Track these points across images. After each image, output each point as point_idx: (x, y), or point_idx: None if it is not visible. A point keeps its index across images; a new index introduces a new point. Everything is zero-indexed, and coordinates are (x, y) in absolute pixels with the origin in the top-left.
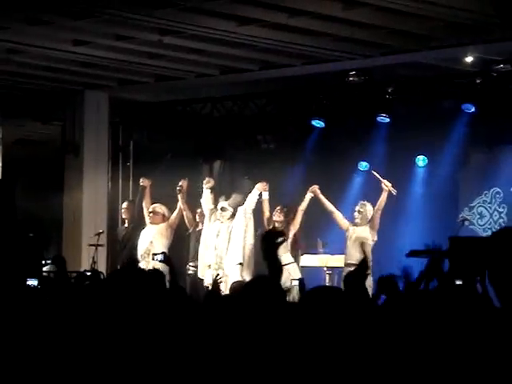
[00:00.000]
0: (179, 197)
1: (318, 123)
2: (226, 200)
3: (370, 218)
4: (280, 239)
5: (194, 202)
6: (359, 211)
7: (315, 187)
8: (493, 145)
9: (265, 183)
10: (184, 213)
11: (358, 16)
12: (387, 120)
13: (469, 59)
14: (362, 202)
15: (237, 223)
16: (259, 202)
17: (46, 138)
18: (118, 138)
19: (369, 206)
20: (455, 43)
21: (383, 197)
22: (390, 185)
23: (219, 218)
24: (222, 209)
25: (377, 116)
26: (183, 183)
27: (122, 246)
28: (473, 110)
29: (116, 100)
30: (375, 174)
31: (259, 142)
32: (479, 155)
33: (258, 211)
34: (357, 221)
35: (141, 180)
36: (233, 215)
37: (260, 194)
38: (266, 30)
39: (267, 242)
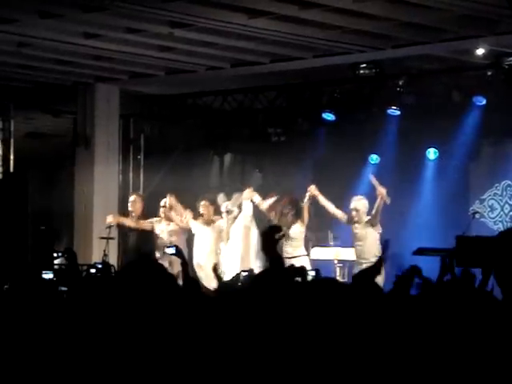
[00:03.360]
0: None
1: (328, 116)
2: (228, 201)
3: (366, 212)
4: (278, 235)
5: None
6: (355, 209)
7: (312, 188)
8: (504, 137)
9: (250, 190)
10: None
11: (368, 8)
12: (398, 113)
13: (480, 51)
14: (355, 197)
15: (239, 230)
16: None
17: (57, 131)
18: (128, 130)
19: (363, 201)
20: (466, 35)
21: (378, 203)
22: (384, 192)
23: (225, 221)
24: (228, 212)
25: (387, 109)
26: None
27: (130, 238)
28: (484, 102)
29: (127, 93)
30: (373, 179)
31: (270, 135)
32: (490, 148)
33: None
34: (355, 219)
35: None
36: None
37: (252, 200)
38: (277, 23)
39: (266, 238)
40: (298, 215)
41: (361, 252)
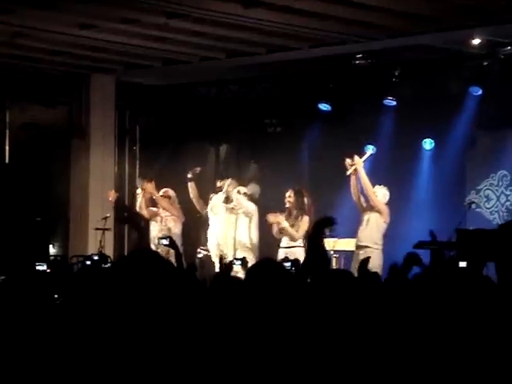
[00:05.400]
0: (192, 184)
1: (324, 107)
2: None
3: (385, 202)
4: (327, 230)
5: (202, 186)
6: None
7: (358, 159)
8: (500, 127)
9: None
10: (194, 200)
11: None
12: (394, 103)
13: (476, 41)
14: (378, 185)
15: (241, 219)
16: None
17: (53, 122)
18: (124, 121)
19: (384, 190)
20: (462, 25)
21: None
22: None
23: (234, 202)
24: (239, 192)
25: (383, 99)
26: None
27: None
28: (480, 92)
29: (122, 84)
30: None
31: (266, 126)
32: (486, 138)
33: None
34: (370, 204)
35: (142, 185)
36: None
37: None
38: (273, 13)
39: (316, 228)
40: (302, 209)
41: (361, 237)
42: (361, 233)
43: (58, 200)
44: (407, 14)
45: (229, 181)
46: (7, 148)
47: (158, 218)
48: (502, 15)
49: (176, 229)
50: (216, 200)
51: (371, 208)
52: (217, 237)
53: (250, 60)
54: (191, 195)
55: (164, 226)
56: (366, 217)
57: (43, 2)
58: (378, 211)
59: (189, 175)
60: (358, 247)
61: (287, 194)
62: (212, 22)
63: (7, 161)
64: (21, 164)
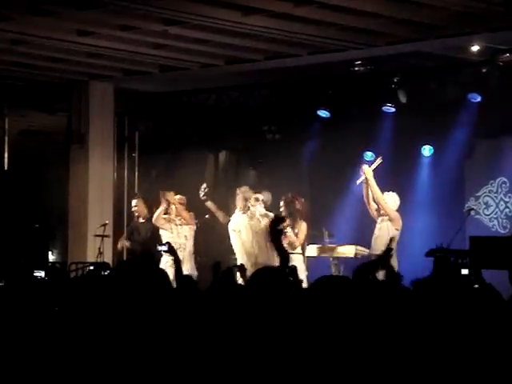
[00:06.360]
0: (209, 203)
1: (323, 113)
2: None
3: (396, 208)
4: (281, 225)
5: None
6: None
7: (366, 168)
8: (499, 134)
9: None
10: (217, 215)
11: (363, 5)
12: (393, 110)
13: (475, 48)
14: (387, 192)
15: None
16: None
17: (52, 129)
18: (123, 128)
19: (393, 196)
20: (461, 32)
21: (370, 185)
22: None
23: (252, 204)
24: (257, 199)
25: (382, 106)
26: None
27: (143, 237)
28: (479, 99)
29: (121, 90)
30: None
31: (264, 133)
32: (485, 145)
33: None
34: (381, 212)
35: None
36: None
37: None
38: (271, 20)
39: (271, 229)
40: (296, 215)
41: (375, 245)
42: (374, 241)
43: (57, 207)
44: (406, 21)
45: (243, 189)
46: (6, 155)
47: (173, 226)
48: (501, 22)
49: (191, 237)
50: (235, 217)
51: (383, 216)
52: (246, 248)
53: (248, 67)
54: (213, 210)
55: (180, 234)
56: (378, 225)
57: (42, 10)
58: (390, 219)
59: (202, 196)
60: (373, 255)
61: (281, 204)
62: (211, 29)
63: (6, 167)
64: (19, 171)
